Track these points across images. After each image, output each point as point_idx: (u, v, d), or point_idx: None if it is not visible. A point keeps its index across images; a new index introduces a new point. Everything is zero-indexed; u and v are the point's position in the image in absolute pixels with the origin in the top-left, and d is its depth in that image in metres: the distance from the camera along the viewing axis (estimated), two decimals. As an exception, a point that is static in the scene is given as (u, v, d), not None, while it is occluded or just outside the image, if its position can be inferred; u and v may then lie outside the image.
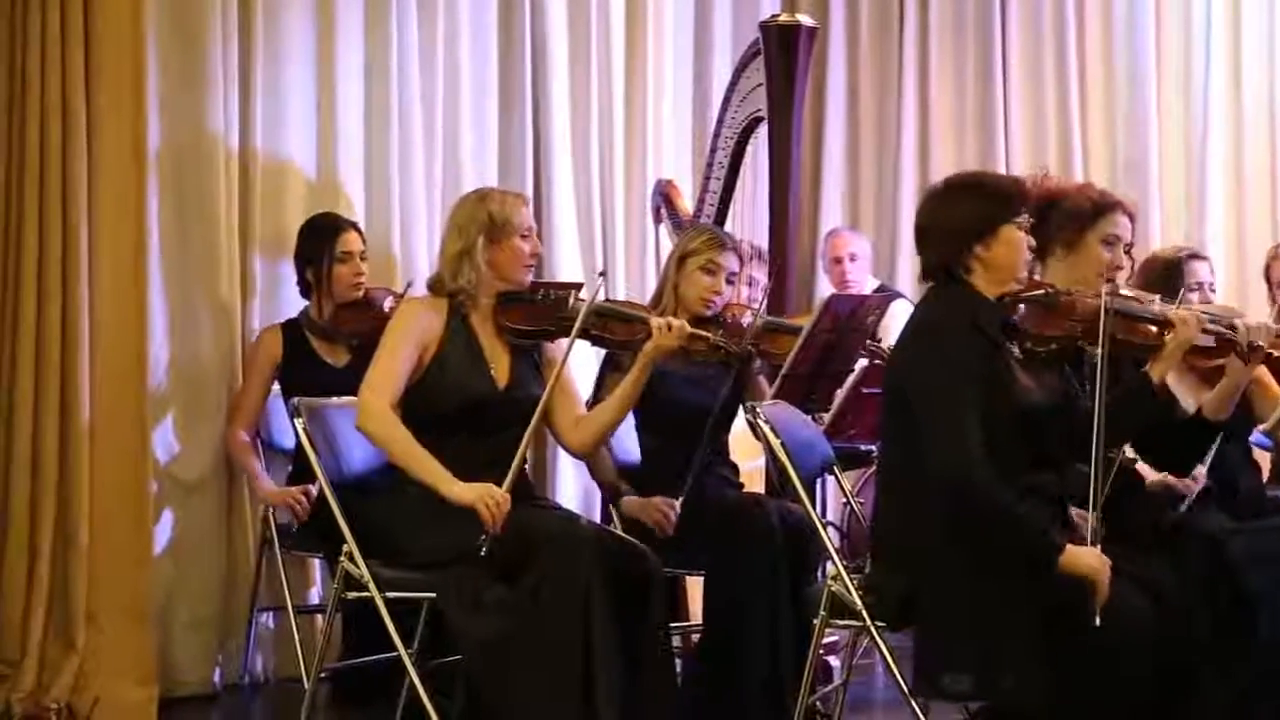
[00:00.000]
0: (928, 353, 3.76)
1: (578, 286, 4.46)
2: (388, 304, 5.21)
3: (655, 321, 4.38)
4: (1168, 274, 4.81)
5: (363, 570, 4.10)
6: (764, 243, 5.79)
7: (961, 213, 3.82)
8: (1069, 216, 4.24)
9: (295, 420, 4.28)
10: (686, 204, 6.08)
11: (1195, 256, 5.02)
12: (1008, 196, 3.85)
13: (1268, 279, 5.52)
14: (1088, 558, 3.64)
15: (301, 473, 5.01)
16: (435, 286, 4.36)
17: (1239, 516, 4.54)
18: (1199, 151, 7.48)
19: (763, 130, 5.71)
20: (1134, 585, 3.71)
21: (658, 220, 6.23)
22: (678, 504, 4.57)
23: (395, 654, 4.15)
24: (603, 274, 4.85)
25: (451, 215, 4.39)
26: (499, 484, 4.09)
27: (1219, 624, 4.22)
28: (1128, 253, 4.37)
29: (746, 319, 4.72)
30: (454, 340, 4.28)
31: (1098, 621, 3.59)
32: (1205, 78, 7.47)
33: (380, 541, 4.17)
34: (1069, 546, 3.65)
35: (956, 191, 3.89)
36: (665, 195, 6.14)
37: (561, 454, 6.03)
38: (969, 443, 3.65)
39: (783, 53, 5.59)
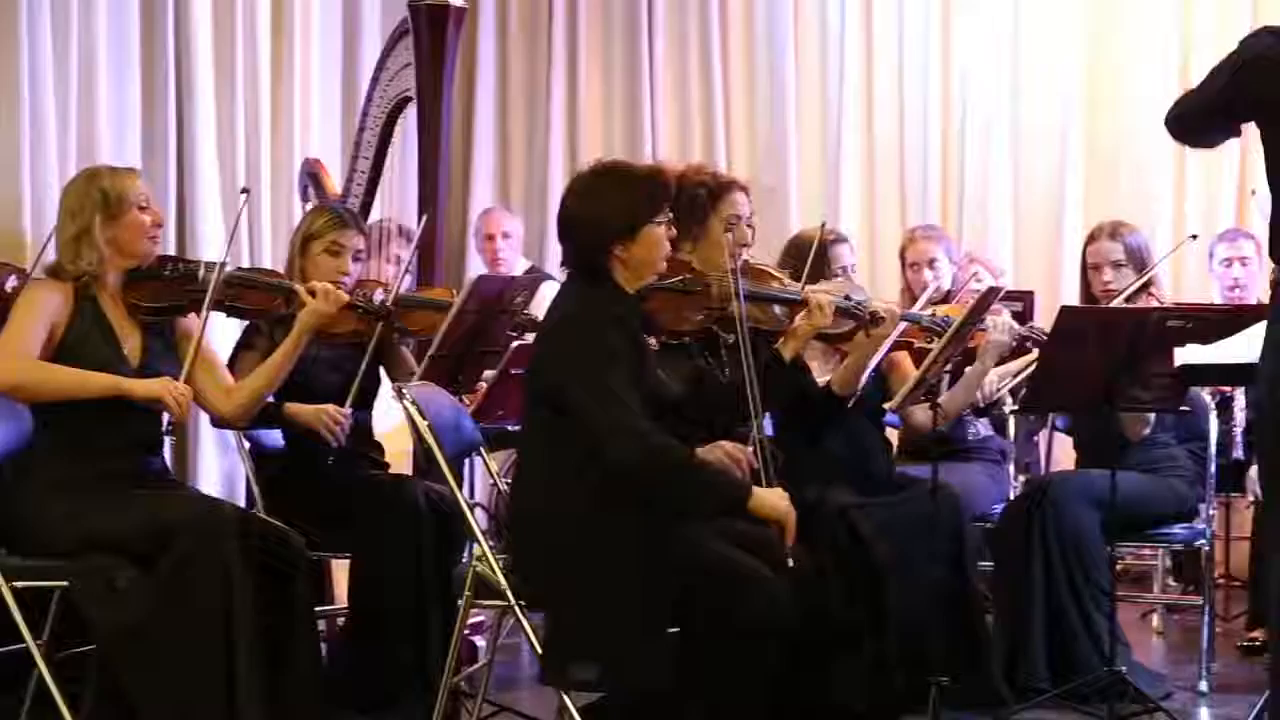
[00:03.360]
0: (575, 346, 3.78)
1: (212, 264, 4.35)
2: (10, 283, 5.02)
3: (315, 285, 4.35)
4: (814, 256, 4.94)
5: (-14, 559, 3.96)
6: (413, 223, 5.76)
7: (605, 210, 3.83)
8: (689, 204, 4.32)
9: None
10: (334, 183, 6.00)
11: (840, 240, 5.18)
12: (650, 195, 3.87)
13: (902, 260, 5.73)
14: (774, 499, 3.76)
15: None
16: (57, 273, 4.20)
17: (869, 492, 4.72)
18: (834, 137, 7.76)
19: (412, 110, 5.67)
20: (768, 560, 3.78)
21: (305, 199, 6.12)
22: (349, 413, 4.53)
23: (23, 645, 4.01)
24: (245, 191, 4.70)
25: (63, 199, 4.23)
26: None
27: (851, 597, 4.39)
28: (750, 227, 4.50)
29: (379, 295, 4.68)
30: (82, 321, 4.14)
31: (791, 563, 3.70)
32: (840, 67, 7.76)
33: (11, 529, 4.03)
34: (755, 489, 3.75)
35: (602, 185, 3.89)
36: (313, 174, 6.04)
37: (204, 439, 5.91)
38: (635, 418, 3.69)
39: (432, 33, 5.55)
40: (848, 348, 4.59)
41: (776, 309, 4.38)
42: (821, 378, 4.70)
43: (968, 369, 5.12)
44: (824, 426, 4.76)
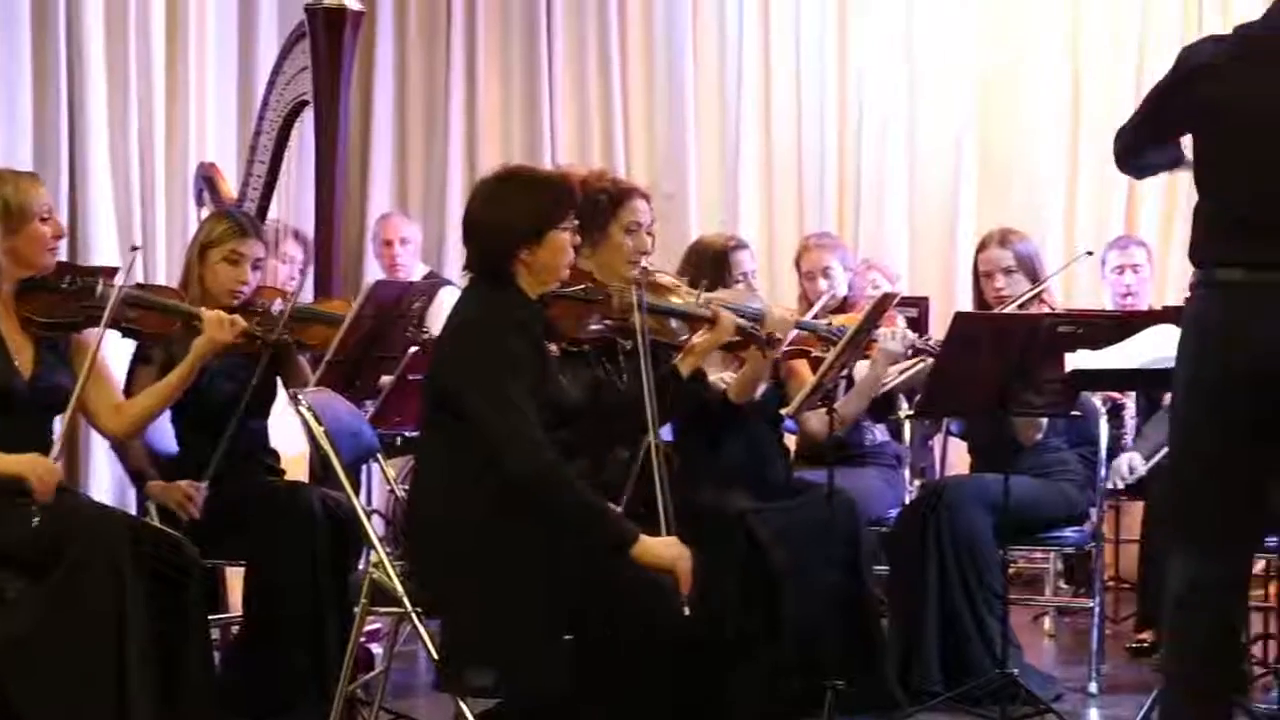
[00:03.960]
0: (476, 351, 3.77)
1: (111, 271, 4.31)
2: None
3: (211, 315, 4.31)
4: (715, 262, 4.98)
5: None
6: (311, 226, 5.73)
7: (511, 214, 3.84)
8: (590, 210, 4.33)
9: None
10: (230, 187, 5.96)
11: (741, 246, 5.21)
12: (556, 200, 3.88)
13: (798, 267, 5.77)
14: (661, 549, 3.70)
15: None
16: None
17: (766, 497, 4.75)
18: (733, 142, 7.80)
19: (309, 114, 5.65)
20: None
21: (200, 204, 6.08)
22: (203, 487, 4.49)
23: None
24: (136, 249, 4.66)
25: None
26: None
27: (748, 602, 4.41)
28: (650, 235, 4.52)
29: (278, 305, 4.65)
30: (-28, 333, 4.08)
31: (686, 612, 3.65)
32: (738, 72, 7.79)
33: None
34: (643, 538, 3.71)
35: (508, 190, 3.90)
36: (208, 178, 6.00)
37: (94, 445, 5.85)
38: (532, 429, 3.69)
39: (329, 36, 5.54)
40: (745, 356, 4.61)
41: (674, 322, 4.40)
42: (717, 376, 4.70)
43: (860, 377, 5.17)
44: (722, 432, 4.78)
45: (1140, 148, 3.79)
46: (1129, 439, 5.81)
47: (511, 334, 3.77)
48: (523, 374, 3.74)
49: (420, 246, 7.30)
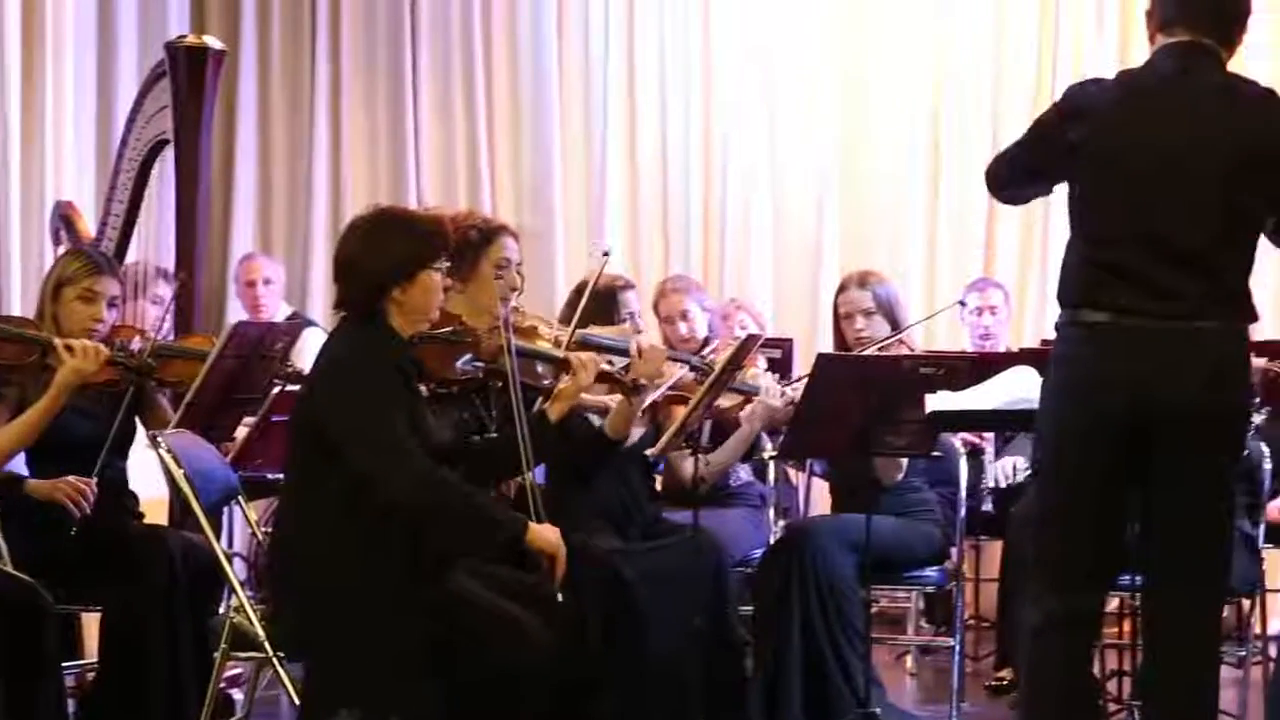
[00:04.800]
0: (349, 386, 3.76)
1: None
2: None
3: (77, 344, 4.24)
4: (603, 302, 4.97)
5: None
6: (171, 266, 5.67)
7: (385, 253, 3.83)
8: (460, 249, 4.33)
9: None
10: (88, 226, 5.87)
11: (628, 286, 5.21)
12: (430, 240, 3.89)
13: (657, 311, 5.77)
14: (549, 533, 3.79)
15: None
16: None
17: (635, 537, 4.76)
18: (598, 181, 7.83)
19: (170, 153, 5.59)
20: (529, 605, 3.81)
21: (57, 243, 5.97)
22: (93, 482, 4.40)
23: None
24: None
25: None
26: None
27: (612, 640, 4.41)
28: (520, 274, 4.52)
29: (136, 344, 4.58)
30: None
31: (560, 597, 3.75)
32: (604, 114, 7.83)
33: None
34: (530, 523, 3.78)
35: (381, 229, 3.89)
36: (65, 217, 5.90)
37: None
38: (413, 457, 3.70)
39: (190, 75, 5.48)
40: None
41: (540, 366, 4.40)
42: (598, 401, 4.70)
43: (734, 434, 5.22)
44: (593, 472, 4.78)
45: (1014, 178, 3.83)
46: (988, 479, 5.90)
47: (385, 369, 3.78)
48: (399, 406, 3.75)
49: (284, 287, 7.24)
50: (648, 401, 4.62)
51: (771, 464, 5.73)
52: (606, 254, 4.88)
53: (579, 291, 5.03)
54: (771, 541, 5.44)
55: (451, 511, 3.73)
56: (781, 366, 5.81)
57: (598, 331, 4.66)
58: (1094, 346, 3.59)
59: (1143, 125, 3.61)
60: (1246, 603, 5.20)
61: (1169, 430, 3.54)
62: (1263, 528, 5.18)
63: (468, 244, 4.38)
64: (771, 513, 5.72)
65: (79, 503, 4.39)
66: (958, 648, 5.32)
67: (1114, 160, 3.60)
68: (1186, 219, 3.55)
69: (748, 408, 5.13)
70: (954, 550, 5.31)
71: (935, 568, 5.29)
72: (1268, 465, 5.17)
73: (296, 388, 4.68)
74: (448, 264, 3.94)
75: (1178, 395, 3.52)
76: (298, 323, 6.37)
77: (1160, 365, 3.53)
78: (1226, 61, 3.68)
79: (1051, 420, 3.68)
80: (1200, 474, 3.58)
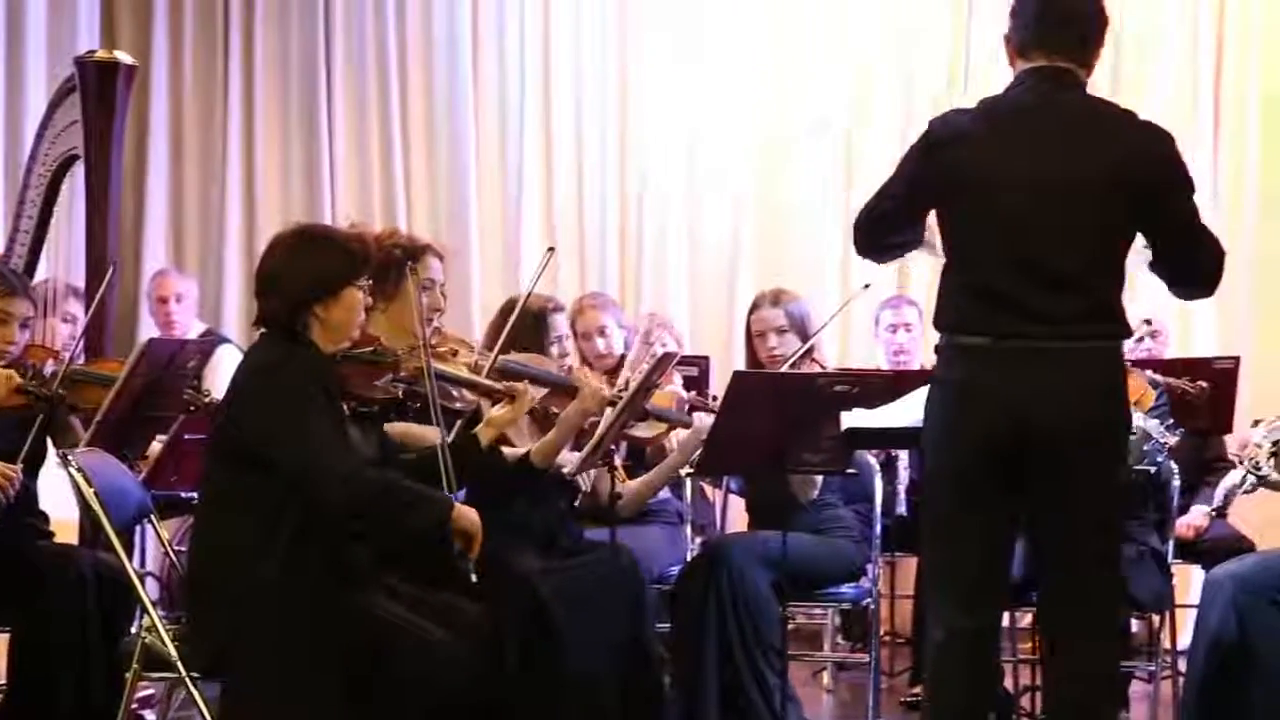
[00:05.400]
0: (272, 392, 3.75)
1: None
2: None
3: None
4: (533, 324, 4.94)
5: None
6: (82, 282, 5.60)
7: (307, 269, 3.83)
8: (383, 268, 4.31)
9: None
10: (-3, 242, 5.80)
11: (558, 308, 5.18)
12: (352, 257, 3.89)
13: (574, 328, 5.75)
14: (472, 513, 3.83)
15: None
16: None
17: (553, 555, 4.74)
18: (514, 202, 7.81)
19: (80, 168, 5.53)
20: (448, 625, 3.80)
21: (-37, 262, 5.91)
22: (19, 469, 4.34)
23: None
24: None
25: None
26: None
27: (528, 658, 4.40)
28: (443, 294, 4.51)
29: (49, 366, 4.53)
30: None
31: (474, 579, 3.79)
32: (520, 133, 7.81)
33: None
34: (455, 504, 3.81)
35: (305, 245, 3.89)
36: (-29, 234, 5.84)
37: None
38: (341, 451, 3.72)
39: (100, 89, 5.43)
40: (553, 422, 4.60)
41: (454, 390, 4.39)
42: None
43: (659, 465, 5.24)
44: (513, 492, 4.76)
45: (887, 225, 3.82)
46: (903, 496, 5.93)
47: (307, 374, 3.78)
48: (322, 411, 3.75)
49: (197, 303, 7.18)
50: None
51: (688, 481, 5.74)
52: (551, 249, 4.89)
53: (505, 313, 4.97)
54: (689, 558, 5.45)
55: (383, 498, 3.75)
56: (698, 384, 5.82)
57: (519, 359, 4.65)
58: (973, 367, 3.63)
59: (1012, 151, 3.64)
60: (1157, 618, 5.24)
61: (1048, 448, 3.58)
62: (1172, 544, 5.24)
63: (391, 263, 4.36)
64: (689, 529, 5.72)
65: (4, 488, 4.32)
66: (874, 664, 5.34)
67: (985, 187, 3.63)
68: (1061, 242, 3.60)
69: (673, 436, 5.14)
70: (870, 567, 5.34)
71: (851, 584, 5.31)
72: (1176, 483, 5.24)
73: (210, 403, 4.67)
74: (370, 282, 3.93)
75: (1055, 413, 3.57)
76: (210, 340, 6.31)
77: (1037, 384, 3.58)
78: (1085, 82, 3.73)
79: (930, 440, 3.72)
80: (1083, 490, 3.62)
